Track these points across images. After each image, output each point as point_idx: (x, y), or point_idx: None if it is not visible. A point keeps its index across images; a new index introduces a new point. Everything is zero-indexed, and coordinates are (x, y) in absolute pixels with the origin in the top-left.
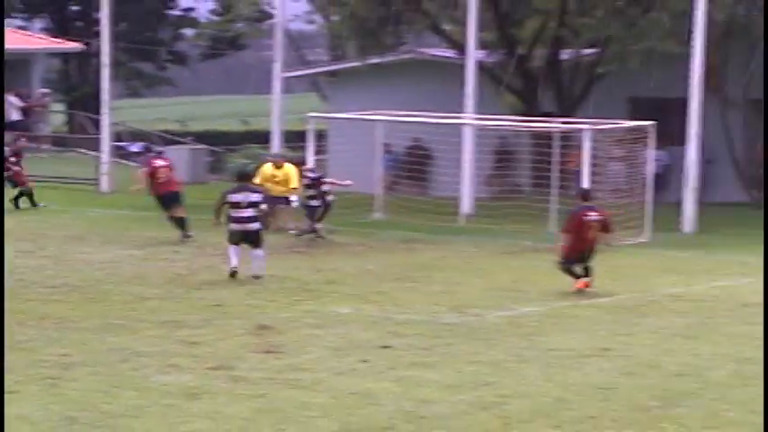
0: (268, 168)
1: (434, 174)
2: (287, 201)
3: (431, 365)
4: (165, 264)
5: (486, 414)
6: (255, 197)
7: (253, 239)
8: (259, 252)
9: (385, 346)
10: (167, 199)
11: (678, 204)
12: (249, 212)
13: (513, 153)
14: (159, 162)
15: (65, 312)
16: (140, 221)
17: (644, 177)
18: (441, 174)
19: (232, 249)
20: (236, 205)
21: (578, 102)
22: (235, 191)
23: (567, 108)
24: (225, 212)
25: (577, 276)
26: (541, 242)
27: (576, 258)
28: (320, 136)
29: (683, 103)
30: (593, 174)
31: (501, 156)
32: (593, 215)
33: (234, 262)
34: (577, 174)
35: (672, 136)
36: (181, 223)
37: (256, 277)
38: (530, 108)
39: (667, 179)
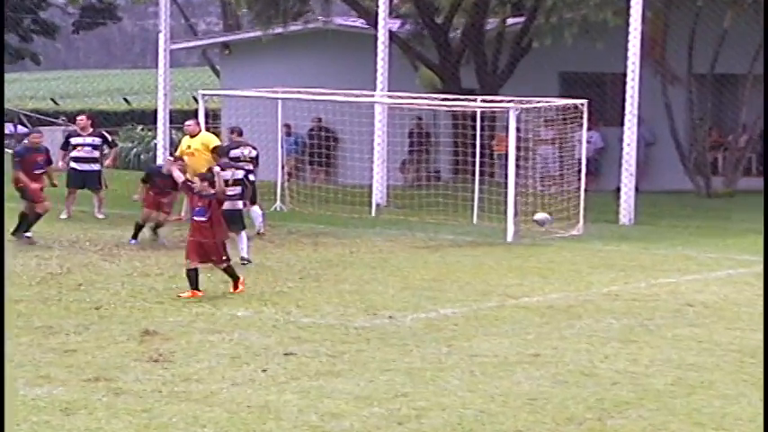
0: (184, 141)
1: (342, 159)
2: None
3: (339, 374)
4: (37, 261)
5: (402, 429)
6: (240, 173)
7: (237, 222)
8: (243, 234)
9: (287, 354)
10: None
11: (614, 193)
12: (237, 190)
13: (431, 135)
14: None
15: None
16: (8, 213)
17: (577, 162)
18: (350, 159)
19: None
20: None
21: (503, 77)
22: (222, 167)
23: (490, 85)
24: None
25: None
26: (463, 235)
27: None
28: (213, 116)
29: (619, 79)
30: (521, 158)
31: (417, 139)
32: None
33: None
34: (503, 158)
35: (606, 115)
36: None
37: (248, 261)
38: (449, 85)
39: (600, 164)
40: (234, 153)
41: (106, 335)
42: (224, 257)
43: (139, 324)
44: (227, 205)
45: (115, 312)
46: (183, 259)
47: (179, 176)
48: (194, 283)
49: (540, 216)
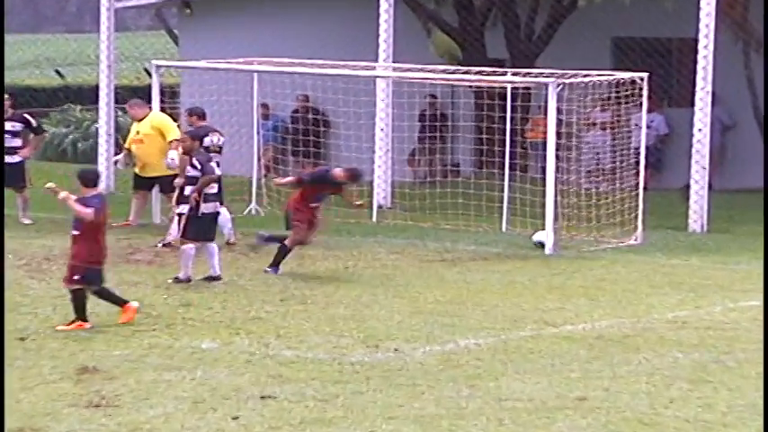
0: (133, 127)
1: (335, 148)
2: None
3: (331, 423)
4: None
5: None
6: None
7: (214, 228)
8: (214, 245)
9: (265, 397)
10: None
11: (682, 191)
12: (216, 188)
13: (448, 119)
14: None
15: None
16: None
17: (635, 152)
18: (344, 148)
19: (193, 250)
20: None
21: (540, 45)
22: (209, 159)
23: (524, 54)
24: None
25: None
26: (488, 246)
27: None
28: (170, 93)
29: (688, 47)
30: (563, 147)
31: (430, 123)
32: None
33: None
34: (540, 147)
35: (672, 93)
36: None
37: (217, 278)
38: (472, 54)
39: (664, 155)
40: (205, 142)
41: (34, 372)
42: (74, 278)
43: (76, 359)
44: (209, 207)
45: (45, 344)
46: (131, 276)
47: (65, 196)
48: (82, 312)
49: (539, 236)
